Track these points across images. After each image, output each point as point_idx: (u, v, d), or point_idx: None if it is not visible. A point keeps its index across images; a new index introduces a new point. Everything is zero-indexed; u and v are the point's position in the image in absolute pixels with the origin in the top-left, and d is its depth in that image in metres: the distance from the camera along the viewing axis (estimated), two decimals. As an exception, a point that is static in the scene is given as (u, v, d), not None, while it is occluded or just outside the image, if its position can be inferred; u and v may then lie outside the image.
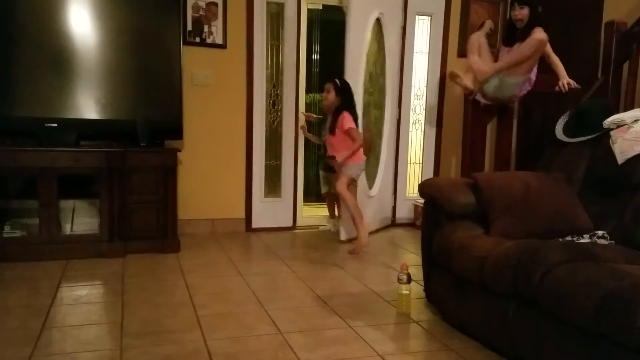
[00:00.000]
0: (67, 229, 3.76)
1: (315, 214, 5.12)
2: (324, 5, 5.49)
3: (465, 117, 4.59)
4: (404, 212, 5.06)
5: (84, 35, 3.74)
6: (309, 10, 4.90)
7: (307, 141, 4.87)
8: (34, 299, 2.91)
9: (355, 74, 4.23)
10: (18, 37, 3.65)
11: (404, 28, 4.83)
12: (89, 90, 3.78)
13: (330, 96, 3.97)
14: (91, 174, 3.68)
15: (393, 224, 5.01)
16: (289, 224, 4.74)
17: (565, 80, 3.73)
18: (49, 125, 3.65)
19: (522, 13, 3.79)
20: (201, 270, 3.50)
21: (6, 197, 3.71)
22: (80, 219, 3.81)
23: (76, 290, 3.10)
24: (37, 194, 3.59)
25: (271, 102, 4.67)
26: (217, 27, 4.34)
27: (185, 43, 4.18)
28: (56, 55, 3.68)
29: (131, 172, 3.74)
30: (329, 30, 6.38)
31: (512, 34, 3.93)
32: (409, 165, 5.13)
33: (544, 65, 3.92)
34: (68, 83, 3.73)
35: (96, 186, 3.70)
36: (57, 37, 3.68)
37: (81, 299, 2.97)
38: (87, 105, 3.78)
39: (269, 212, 4.65)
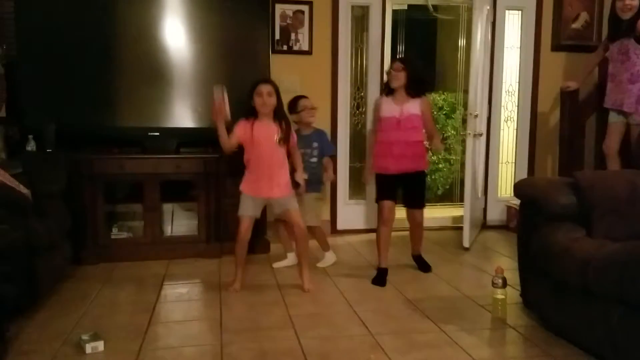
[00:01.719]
0: (168, 230, 4.01)
1: (402, 216, 5.07)
2: (409, 5, 5.46)
3: (563, 113, 4.35)
4: (496, 214, 4.89)
5: (180, 49, 3.97)
6: (394, 11, 4.88)
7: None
8: (141, 296, 3.12)
9: (477, 72, 4.18)
10: (121, 54, 3.95)
11: (493, 23, 4.69)
12: (186, 100, 4.02)
13: (273, 100, 3.12)
14: (190, 179, 3.90)
15: (484, 226, 4.86)
16: (375, 225, 4.72)
17: None
18: (151, 134, 3.91)
19: (632, 4, 3.55)
20: (290, 270, 3.58)
21: (114, 201, 4.02)
22: (180, 222, 4.04)
23: (178, 288, 3.30)
24: (141, 198, 3.86)
25: (355, 104, 4.71)
26: (303, 34, 4.45)
27: (274, 51, 4.32)
28: (156, 69, 3.94)
29: (225, 177, 3.91)
30: (414, 29, 6.33)
31: (618, 28, 3.68)
32: (500, 164, 4.95)
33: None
34: (167, 94, 3.98)
35: (194, 190, 3.91)
36: (156, 52, 3.93)
37: (183, 297, 3.15)
38: (185, 115, 4.02)
39: (354, 214, 4.67)
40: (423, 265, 3.65)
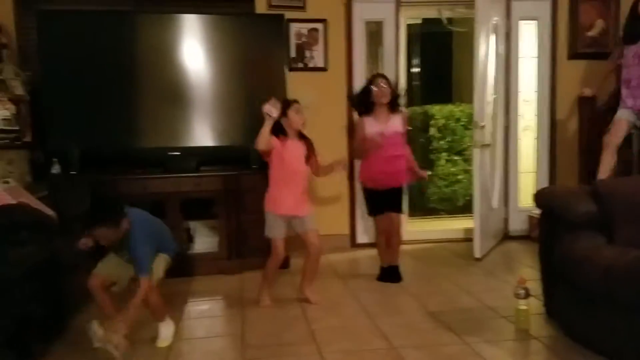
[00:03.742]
0: (190, 248, 4.05)
1: (420, 228, 5.07)
2: (423, 19, 5.49)
3: (582, 121, 4.32)
4: (518, 224, 4.83)
5: (198, 70, 4.06)
6: (408, 26, 4.92)
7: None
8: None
9: (482, 83, 4.17)
10: (141, 77, 4.05)
11: (507, 34, 4.69)
12: (205, 119, 4.09)
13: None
14: (210, 196, 3.95)
15: (506, 236, 4.81)
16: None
17: None
18: (172, 154, 3.98)
19: None
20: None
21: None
22: (202, 239, 4.08)
23: (200, 304, 3.34)
24: (163, 217, 3.90)
25: (373, 119, 4.73)
26: (318, 51, 4.50)
27: (290, 69, 4.38)
28: (175, 90, 4.03)
29: (245, 194, 3.96)
30: (429, 43, 6.37)
31: (637, 29, 3.66)
32: (520, 174, 4.91)
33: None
34: (187, 114, 4.06)
35: (215, 207, 3.96)
36: (175, 74, 4.02)
37: (205, 313, 3.19)
38: (204, 134, 4.09)
39: (373, 228, 4.65)
40: (394, 276, 3.65)
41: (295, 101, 3.24)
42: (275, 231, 3.19)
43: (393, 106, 3.52)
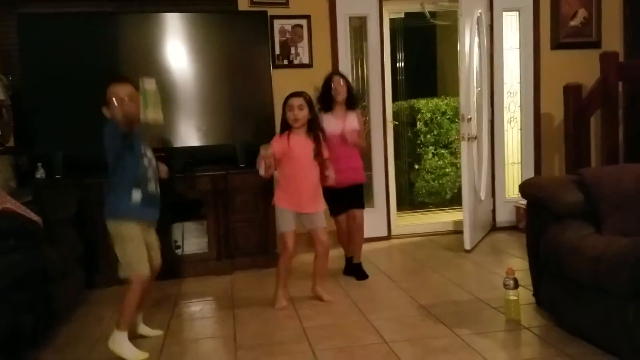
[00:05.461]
0: (179, 249, 4.03)
1: (410, 222, 5.09)
2: (406, 13, 5.51)
3: (567, 111, 4.34)
4: (505, 215, 4.86)
5: (183, 69, 4.03)
6: (391, 20, 4.92)
7: (396, 150, 4.84)
8: (155, 316, 3.12)
9: (468, 76, 4.17)
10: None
11: (490, 26, 4.71)
12: (191, 119, 4.07)
13: (304, 113, 3.10)
14: (198, 197, 3.92)
15: (494, 228, 4.84)
16: (384, 233, 4.72)
17: None
18: (158, 155, 3.93)
19: None
20: (302, 283, 3.56)
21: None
22: (190, 240, 4.06)
23: (191, 306, 3.32)
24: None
25: (359, 114, 4.73)
26: (303, 48, 4.49)
27: (275, 66, 4.36)
28: (159, 90, 3.98)
29: (233, 193, 3.94)
30: (413, 37, 6.37)
31: None
32: (506, 165, 4.95)
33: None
34: (172, 115, 4.02)
35: (203, 208, 3.94)
36: (159, 74, 3.95)
37: (196, 315, 3.17)
38: (190, 134, 4.06)
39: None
40: (361, 274, 3.66)
41: (299, 94, 3.10)
42: (287, 225, 3.11)
43: (350, 104, 3.59)
